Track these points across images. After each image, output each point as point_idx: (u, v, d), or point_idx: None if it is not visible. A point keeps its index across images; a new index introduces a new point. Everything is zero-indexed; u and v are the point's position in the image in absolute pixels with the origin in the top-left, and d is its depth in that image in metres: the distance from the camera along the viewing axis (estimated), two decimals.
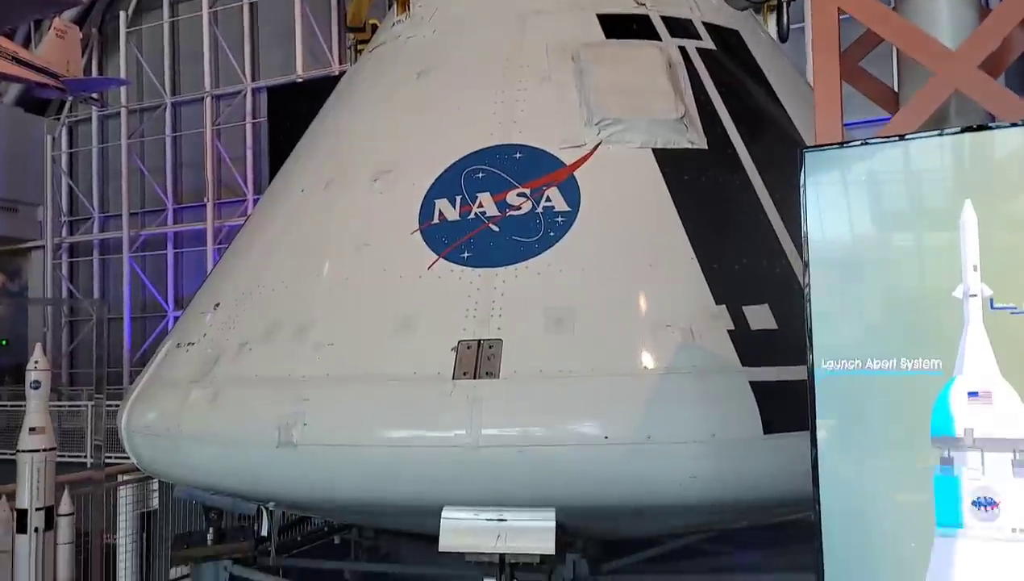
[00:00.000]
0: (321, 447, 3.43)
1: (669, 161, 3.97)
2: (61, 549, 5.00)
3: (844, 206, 1.91)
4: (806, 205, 1.93)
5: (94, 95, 24.71)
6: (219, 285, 4.67)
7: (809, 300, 1.90)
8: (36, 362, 4.99)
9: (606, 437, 3.12)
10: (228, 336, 4.12)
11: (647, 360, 3.29)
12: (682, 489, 3.10)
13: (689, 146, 4.05)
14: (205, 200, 25.16)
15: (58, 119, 26.82)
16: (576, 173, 3.93)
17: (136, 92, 25.87)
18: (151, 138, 25.86)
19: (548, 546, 3.38)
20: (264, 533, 4.87)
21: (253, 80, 24.53)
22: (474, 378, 3.34)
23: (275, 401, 3.59)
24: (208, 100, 24.82)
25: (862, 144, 1.90)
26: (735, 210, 3.90)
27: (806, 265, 1.91)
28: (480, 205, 3.91)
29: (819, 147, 1.96)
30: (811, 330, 1.90)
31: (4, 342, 25.05)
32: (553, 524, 3.38)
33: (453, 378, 3.36)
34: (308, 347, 3.73)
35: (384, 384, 3.45)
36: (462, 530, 3.45)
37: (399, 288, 3.76)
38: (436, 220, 3.93)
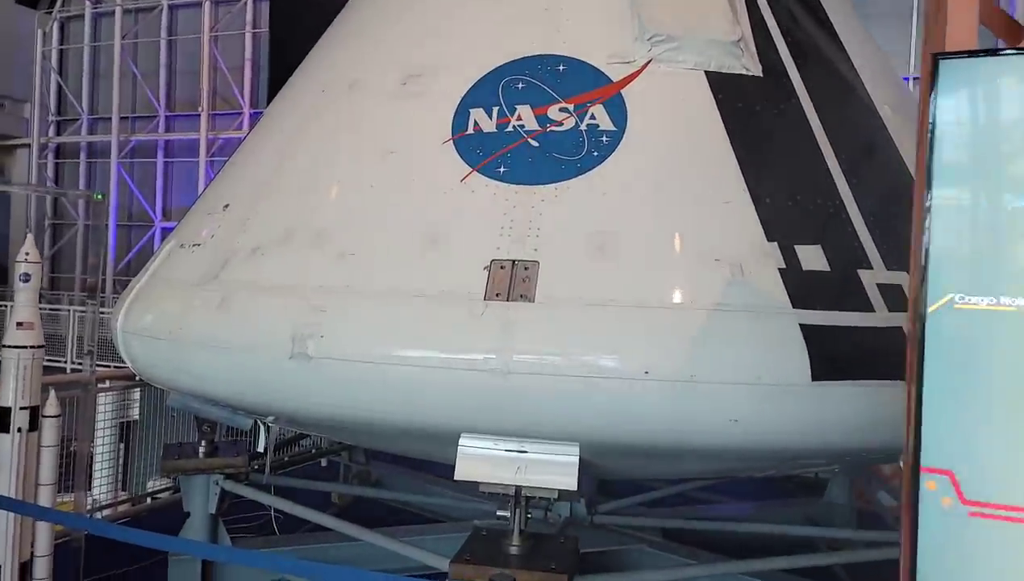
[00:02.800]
0: (337, 362, 3.22)
1: (722, 86, 3.70)
2: (45, 452, 4.80)
3: (979, 120, 1.68)
4: (935, 118, 1.69)
5: None
6: (229, 185, 4.39)
7: (929, 225, 1.67)
8: (27, 254, 4.70)
9: (646, 372, 2.93)
10: (239, 239, 3.86)
11: (693, 294, 3.08)
12: (722, 433, 2.94)
13: (744, 72, 3.78)
14: (199, 110, 24.47)
15: (50, 13, 25.76)
16: (623, 91, 3.65)
17: None
18: (145, 40, 24.96)
19: (570, 481, 3.22)
20: (260, 449, 4.72)
21: None
22: (507, 300, 3.12)
23: (290, 310, 3.37)
24: (207, 5, 23.90)
25: (1010, 53, 1.66)
26: (788, 144, 3.65)
27: (929, 184, 1.68)
28: (519, 118, 3.64)
29: (953, 54, 1.71)
30: (926, 259, 1.68)
31: None
32: (577, 459, 3.22)
33: (484, 298, 3.14)
34: (327, 256, 3.49)
35: (409, 300, 3.22)
36: (479, 459, 3.28)
37: (428, 200, 3.51)
38: (470, 130, 3.66)
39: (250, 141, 4.70)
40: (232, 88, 24.61)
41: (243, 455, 5.20)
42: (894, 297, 3.12)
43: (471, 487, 6.68)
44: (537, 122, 3.60)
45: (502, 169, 3.49)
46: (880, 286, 3.13)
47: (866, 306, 3.09)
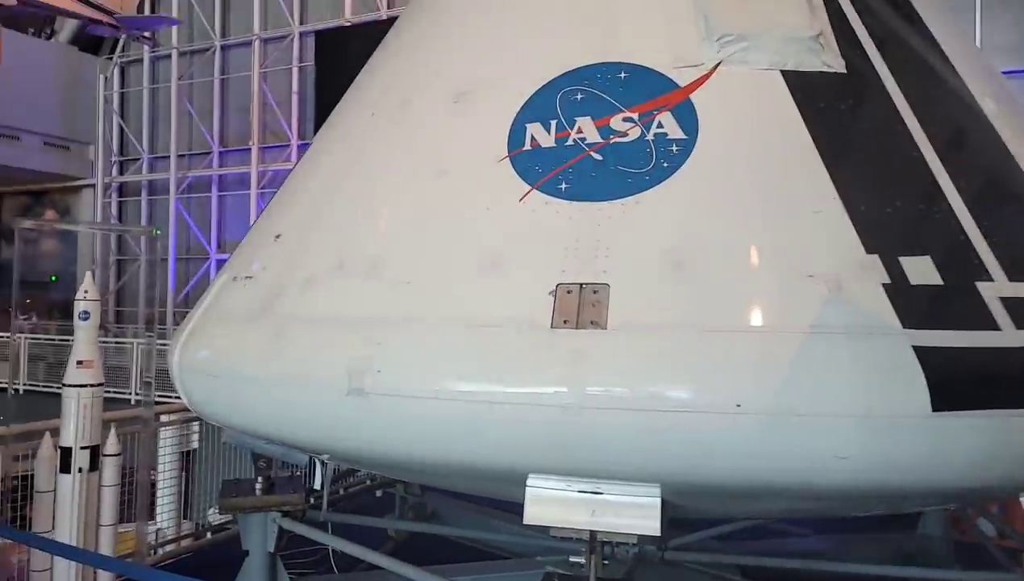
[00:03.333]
0: (395, 398, 2.99)
1: (802, 86, 3.38)
2: (106, 492, 4.69)
3: None
4: None
5: (146, 33, 24.57)
6: (280, 216, 4.24)
7: None
8: (86, 291, 4.64)
9: (738, 405, 2.62)
10: (291, 270, 3.69)
11: (786, 316, 2.76)
12: (826, 471, 2.60)
13: (825, 69, 3.46)
14: (251, 144, 25.00)
15: (111, 59, 26.72)
16: (692, 96, 3.37)
17: (187, 34, 25.69)
18: (200, 80, 25.68)
19: (653, 525, 2.92)
20: (317, 486, 4.52)
21: (301, 24, 24.17)
22: (576, 327, 2.85)
23: (345, 343, 3.16)
24: (256, 43, 24.48)
25: None
26: (882, 146, 3.31)
27: None
28: (579, 130, 3.38)
29: None
30: None
31: (54, 278, 25.36)
32: (659, 500, 2.92)
33: (552, 326, 2.88)
34: (382, 284, 3.28)
35: (469, 330, 2.98)
36: (551, 502, 3.00)
37: (486, 222, 3.28)
38: (527, 146, 3.42)
39: (299, 170, 4.55)
40: (280, 121, 25.10)
41: (300, 492, 5.01)
42: (1022, 313, 2.75)
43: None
44: (599, 134, 3.34)
45: (563, 186, 3.24)
46: (1004, 300, 2.76)
47: (990, 324, 2.72)
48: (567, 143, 3.36)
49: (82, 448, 4.51)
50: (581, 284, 2.95)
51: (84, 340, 4.60)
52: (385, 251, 3.40)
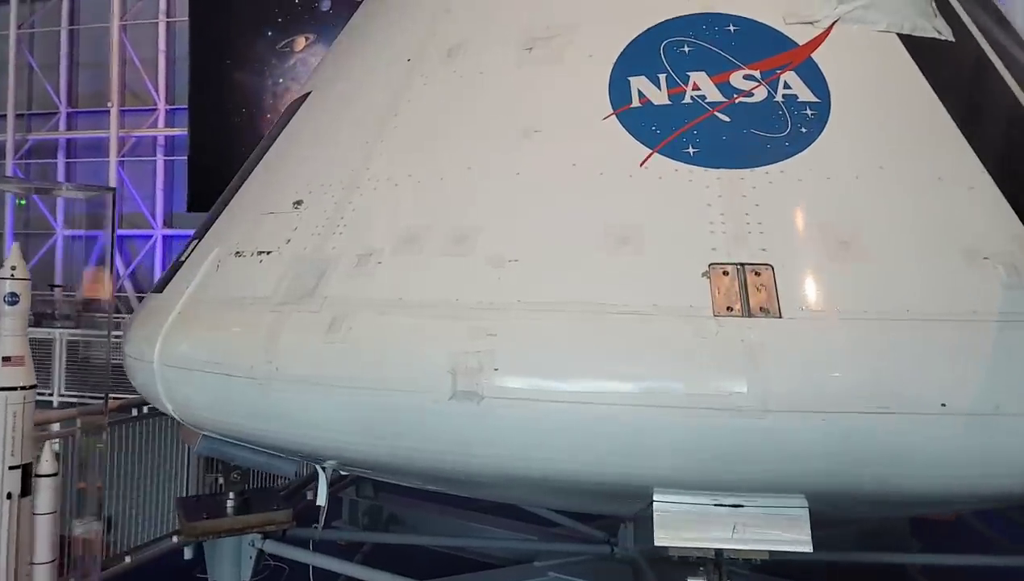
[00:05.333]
0: (523, 402, 2.44)
1: (919, 51, 3.11)
2: (40, 523, 3.76)
3: None
4: None
5: None
6: (288, 178, 3.51)
7: None
8: (13, 268, 3.66)
9: (943, 404, 2.29)
10: (333, 243, 3.01)
11: (971, 302, 2.46)
12: None
13: (937, 36, 3.21)
14: (108, 105, 22.59)
15: None
16: (814, 56, 3.02)
17: None
18: (45, 30, 22.91)
19: (804, 539, 2.56)
20: (321, 502, 3.85)
21: None
22: (745, 315, 2.42)
23: (443, 335, 2.56)
24: None
25: None
26: (1008, 118, 3.10)
27: None
28: (695, 87, 2.94)
29: None
30: None
31: None
32: (807, 511, 2.57)
33: (714, 314, 2.43)
34: (476, 262, 2.70)
35: (609, 318, 2.47)
36: (686, 518, 2.58)
37: (602, 190, 2.77)
38: (636, 103, 2.94)
39: (299, 128, 3.82)
40: (145, 82, 22.83)
41: (284, 507, 4.30)
42: None
43: (504, 522, 6.00)
44: (720, 92, 2.92)
45: (691, 150, 2.79)
46: None
47: None
48: (684, 101, 2.92)
49: (11, 468, 3.59)
50: (740, 264, 2.52)
51: (12, 330, 3.65)
52: (473, 223, 2.81)
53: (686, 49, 3.04)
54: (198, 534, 4.00)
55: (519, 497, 3.81)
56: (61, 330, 13.32)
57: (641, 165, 2.78)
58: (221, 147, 21.44)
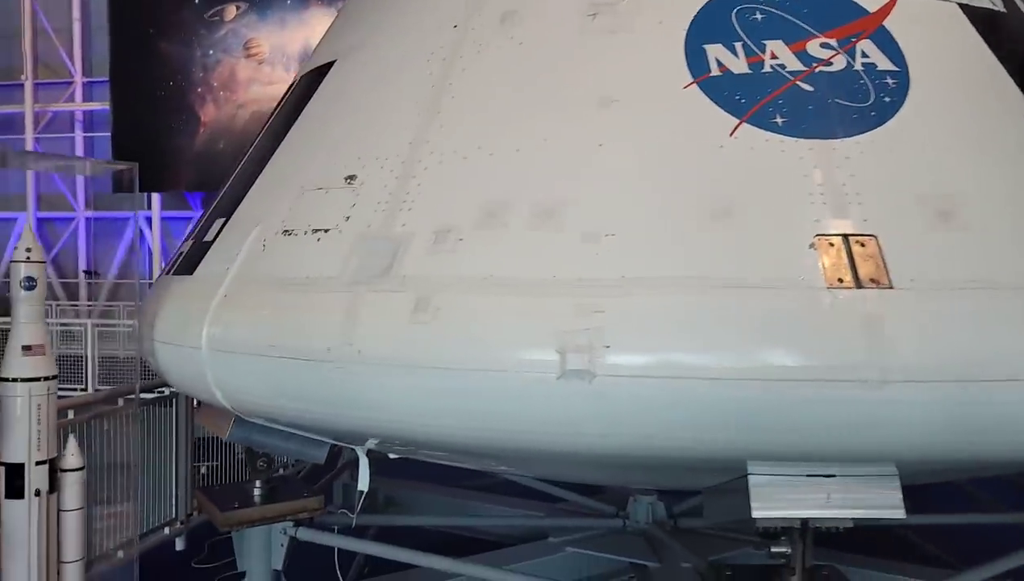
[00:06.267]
0: (633, 379, 2.37)
1: (979, 21, 3.16)
2: (68, 519, 3.50)
3: None
4: None
5: None
6: (335, 150, 3.31)
7: None
8: (28, 250, 3.35)
9: None
10: (402, 220, 2.86)
11: None
12: None
13: (992, 7, 3.26)
14: (22, 78, 21.23)
15: None
16: (886, 23, 3.02)
17: None
18: None
19: (896, 505, 2.60)
20: (363, 487, 3.72)
21: None
22: (856, 287, 2.41)
23: (546, 313, 2.46)
24: None
25: None
26: None
27: None
28: (773, 56, 2.90)
29: None
30: None
31: None
32: (898, 478, 2.60)
33: (827, 286, 2.41)
34: (569, 237, 2.60)
35: (718, 292, 2.42)
36: (780, 490, 2.58)
37: (694, 160, 2.70)
38: (715, 72, 2.88)
39: (340, 98, 3.60)
40: (60, 53, 21.55)
41: (315, 494, 4.14)
42: None
43: (506, 500, 5.94)
44: (799, 61, 2.89)
45: (779, 120, 2.75)
46: None
47: None
48: (763, 70, 2.87)
49: (37, 464, 3.33)
50: (845, 235, 2.50)
51: (29, 317, 3.36)
52: (560, 196, 2.70)
53: (758, 16, 2.98)
54: (233, 524, 3.83)
55: (580, 473, 3.75)
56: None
57: (730, 135, 2.72)
58: (147, 122, 20.45)
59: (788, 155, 2.67)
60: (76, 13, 21.34)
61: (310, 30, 20.57)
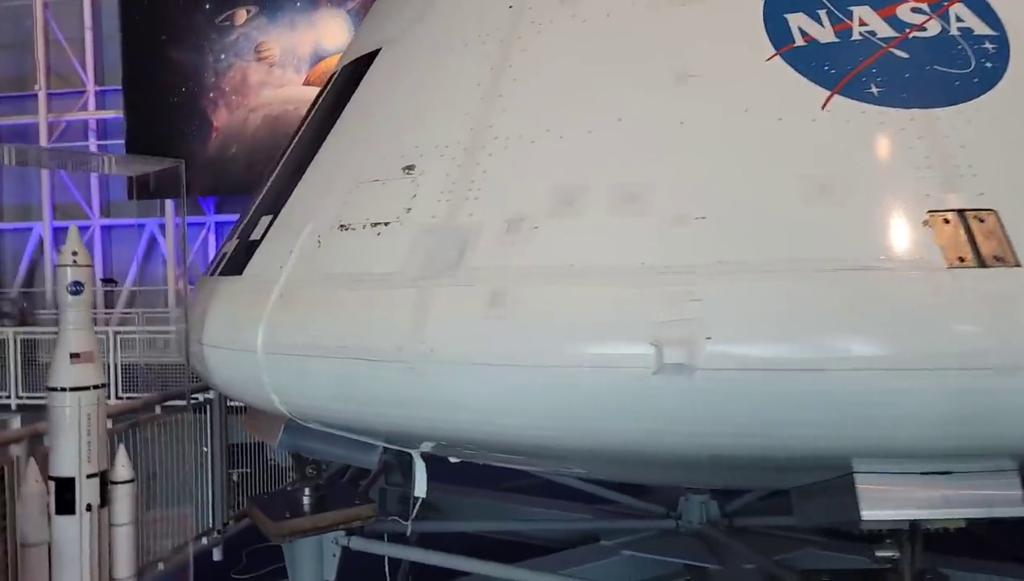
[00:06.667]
0: (739, 372, 2.19)
1: None
2: (119, 534, 3.35)
3: None
4: None
5: None
6: (385, 141, 3.14)
7: None
8: (74, 254, 3.19)
9: None
10: (469, 210, 2.68)
11: None
12: None
13: None
14: (35, 89, 21.20)
15: None
16: None
17: None
18: None
19: (1016, 501, 2.41)
20: (420, 493, 3.56)
21: None
22: (979, 266, 2.22)
23: (637, 303, 2.28)
24: None
25: None
26: None
27: None
28: (861, 22, 2.70)
29: None
30: None
31: None
32: (1017, 473, 2.41)
33: (948, 266, 2.22)
34: (655, 221, 2.41)
35: (831, 275, 2.23)
36: (892, 489, 2.39)
37: (784, 136, 2.51)
38: (800, 41, 2.68)
39: (389, 87, 3.43)
40: (72, 62, 21.50)
41: (367, 501, 3.98)
42: None
43: (546, 502, 5.76)
44: (890, 27, 2.69)
45: (874, 89, 2.55)
46: None
47: None
48: (852, 38, 2.67)
49: (88, 477, 3.18)
50: (960, 210, 2.31)
51: (77, 323, 3.21)
52: (641, 179, 2.52)
53: None
54: (286, 534, 3.66)
55: (647, 474, 3.57)
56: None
57: (823, 108, 2.53)
58: (161, 129, 20.38)
59: (888, 126, 2.48)
60: (88, 22, 21.30)
61: (320, 32, 20.49)
